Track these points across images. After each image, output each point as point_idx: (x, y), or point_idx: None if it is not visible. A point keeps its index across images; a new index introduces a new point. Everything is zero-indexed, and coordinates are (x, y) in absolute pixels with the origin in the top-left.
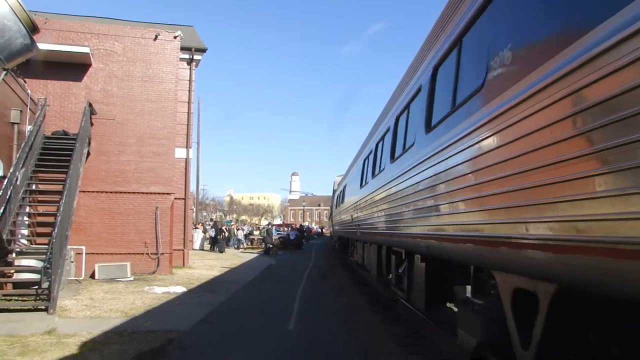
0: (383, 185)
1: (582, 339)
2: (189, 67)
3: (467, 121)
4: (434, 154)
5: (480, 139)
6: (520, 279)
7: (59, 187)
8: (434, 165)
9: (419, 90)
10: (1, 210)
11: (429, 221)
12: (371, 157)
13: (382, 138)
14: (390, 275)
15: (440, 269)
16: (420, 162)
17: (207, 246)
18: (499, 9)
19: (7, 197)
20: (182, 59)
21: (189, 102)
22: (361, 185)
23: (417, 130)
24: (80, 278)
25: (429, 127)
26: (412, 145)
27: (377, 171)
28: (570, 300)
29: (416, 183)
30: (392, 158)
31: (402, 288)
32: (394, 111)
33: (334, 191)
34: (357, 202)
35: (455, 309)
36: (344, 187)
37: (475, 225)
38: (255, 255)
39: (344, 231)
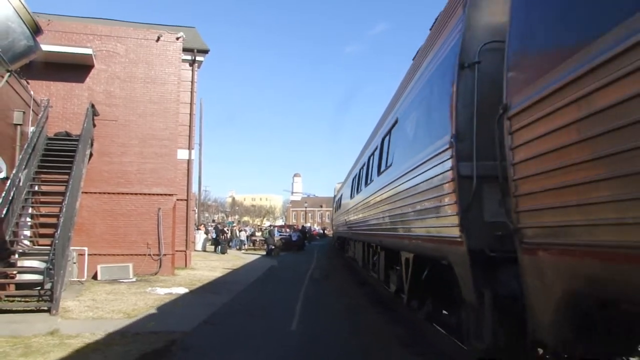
0: (362, 200)
1: (427, 276)
2: (191, 68)
3: (390, 177)
4: (380, 188)
5: (394, 187)
6: (406, 253)
7: (61, 189)
8: (381, 194)
9: (376, 147)
10: (4, 212)
11: (381, 225)
12: (357, 178)
13: (363, 166)
14: (369, 263)
15: (390, 255)
16: (376, 191)
17: (209, 247)
18: (396, 130)
19: (10, 198)
20: (184, 60)
21: (191, 103)
22: (351, 197)
23: (375, 170)
24: (83, 279)
25: (379, 171)
26: (373, 180)
27: (360, 188)
28: (419, 260)
29: (376, 202)
30: (366, 183)
31: (375, 271)
32: (368, 152)
33: (335, 197)
34: (348, 210)
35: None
36: (341, 195)
37: (393, 227)
38: (258, 256)
39: (341, 232)
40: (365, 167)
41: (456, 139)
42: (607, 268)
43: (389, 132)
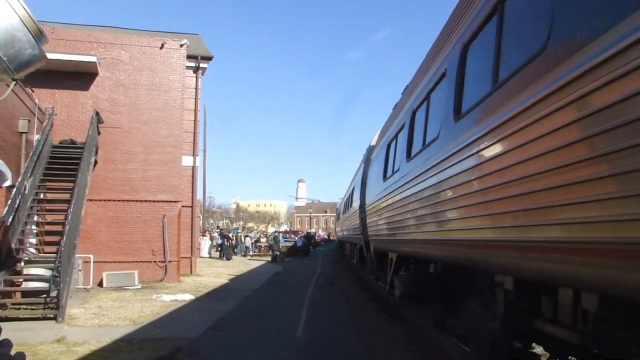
0: (346, 217)
1: (362, 253)
2: (195, 75)
3: (351, 211)
4: (351, 214)
5: (353, 215)
6: (357, 245)
7: (66, 196)
8: (351, 216)
9: (349, 194)
10: (10, 219)
11: (352, 232)
12: (345, 202)
13: (347, 197)
14: (353, 254)
15: (355, 247)
16: (349, 215)
17: (214, 254)
18: (353, 192)
19: (16, 206)
20: (188, 67)
21: (195, 110)
22: (343, 213)
23: (350, 203)
24: (88, 286)
25: (350, 205)
26: (348, 209)
27: (346, 209)
28: (359, 246)
29: (350, 220)
30: (347, 209)
31: (353, 257)
32: (349, 191)
33: (337, 209)
34: (341, 222)
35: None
36: (339, 210)
37: (355, 232)
38: (263, 262)
39: (340, 237)
40: (347, 199)
41: (361, 208)
42: (375, 241)
43: (352, 190)
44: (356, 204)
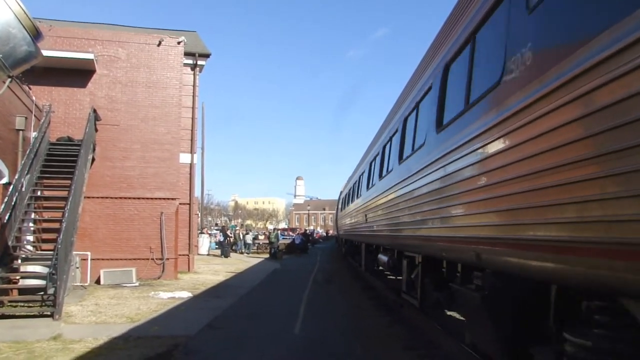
0: (335, 223)
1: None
2: (192, 72)
3: (335, 220)
4: (339, 218)
5: (335, 222)
6: (347, 239)
7: (64, 193)
8: (335, 224)
9: (340, 199)
10: (7, 217)
11: (336, 231)
12: (338, 205)
13: (341, 201)
14: (343, 246)
15: (353, 241)
16: (335, 222)
17: (213, 251)
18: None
19: (13, 203)
20: (185, 65)
21: (192, 108)
22: (337, 215)
23: (346, 204)
24: (86, 284)
25: (335, 217)
26: (342, 210)
27: (338, 212)
28: (343, 239)
29: (339, 222)
30: (341, 209)
31: (343, 248)
32: (342, 196)
33: (335, 210)
34: (336, 221)
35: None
36: (336, 212)
37: (336, 230)
38: (261, 259)
39: (335, 234)
40: (341, 203)
41: (337, 219)
42: (346, 235)
43: (336, 209)
44: (335, 216)
